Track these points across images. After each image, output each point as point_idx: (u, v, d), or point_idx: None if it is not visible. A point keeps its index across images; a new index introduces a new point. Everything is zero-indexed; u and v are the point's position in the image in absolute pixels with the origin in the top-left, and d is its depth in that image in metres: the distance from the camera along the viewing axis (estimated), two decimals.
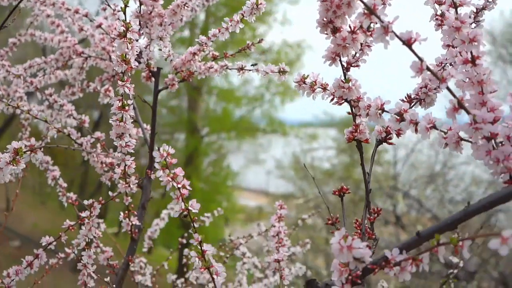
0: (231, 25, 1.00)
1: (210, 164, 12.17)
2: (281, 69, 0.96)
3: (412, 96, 0.78)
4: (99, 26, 1.18)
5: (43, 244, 1.02)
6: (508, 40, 9.72)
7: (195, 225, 0.73)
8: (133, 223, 1.08)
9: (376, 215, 0.72)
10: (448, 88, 0.58)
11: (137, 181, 1.02)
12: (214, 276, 0.73)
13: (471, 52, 0.61)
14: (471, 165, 7.03)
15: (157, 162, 0.70)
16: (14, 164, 0.76)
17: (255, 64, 0.96)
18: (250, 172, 12.80)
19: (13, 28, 1.46)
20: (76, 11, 1.20)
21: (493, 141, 0.60)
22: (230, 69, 1.08)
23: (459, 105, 0.58)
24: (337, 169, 10.32)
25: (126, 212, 1.07)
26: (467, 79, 0.62)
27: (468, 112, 0.58)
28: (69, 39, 1.28)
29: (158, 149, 0.70)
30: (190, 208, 0.72)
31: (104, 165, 1.15)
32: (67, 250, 1.21)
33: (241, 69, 1.06)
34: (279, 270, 1.05)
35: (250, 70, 1.04)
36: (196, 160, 11.38)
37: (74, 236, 1.09)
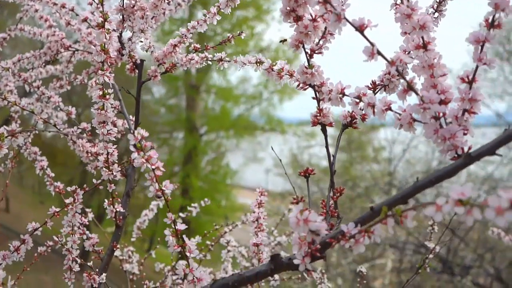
0: (208, 17, 1.04)
1: (209, 162, 12.21)
2: (258, 60, 1.00)
3: (377, 83, 0.82)
4: (85, 20, 1.22)
5: (29, 230, 1.06)
6: (505, 38, 9.74)
7: (168, 204, 0.77)
8: (117, 210, 1.11)
9: (339, 194, 0.75)
10: (398, 71, 0.62)
11: (120, 169, 1.06)
12: (187, 254, 0.77)
13: (422, 38, 0.65)
14: None
15: (132, 145, 0.73)
16: None
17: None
18: (249, 170, 12.83)
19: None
20: (63, 6, 1.24)
21: (443, 121, 0.64)
22: (210, 60, 1.12)
23: (409, 87, 0.62)
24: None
25: (110, 199, 1.11)
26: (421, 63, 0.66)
27: (416, 93, 0.62)
28: (57, 33, 1.32)
29: (133, 132, 0.73)
30: (164, 188, 0.75)
31: (89, 155, 1.19)
32: (55, 238, 1.24)
33: (220, 60, 1.10)
34: (257, 254, 1.09)
35: (228, 61, 1.08)
36: (195, 159, 11.42)
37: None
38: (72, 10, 1.27)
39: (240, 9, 11.25)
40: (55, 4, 1.26)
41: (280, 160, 0.96)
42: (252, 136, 12.12)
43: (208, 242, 1.47)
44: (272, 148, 0.91)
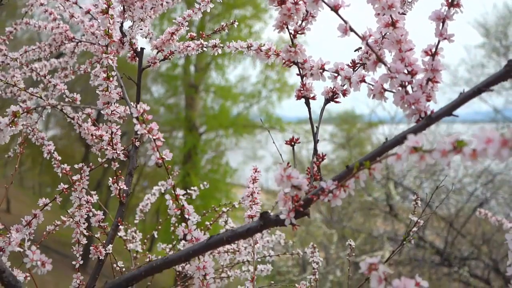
0: (202, 5, 1.13)
1: (209, 161, 12.29)
2: (249, 45, 1.08)
3: (356, 61, 0.90)
4: (88, 12, 1.30)
5: (40, 205, 1.14)
6: (501, 33, 9.83)
7: (168, 171, 0.85)
8: (121, 187, 1.20)
9: (321, 159, 0.84)
10: (368, 45, 0.70)
11: (123, 148, 1.14)
12: (186, 216, 0.86)
13: (391, 16, 0.73)
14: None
15: (135, 117, 0.82)
16: (13, 125, 0.88)
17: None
18: (248, 168, 12.84)
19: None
20: None
21: (410, 89, 0.72)
22: (205, 47, 1.20)
23: (378, 59, 0.71)
24: (334, 163, 10.47)
25: (115, 177, 1.19)
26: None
27: (385, 64, 0.70)
28: (61, 26, 1.41)
29: (136, 106, 0.81)
30: (164, 156, 0.84)
31: (94, 137, 1.27)
32: (63, 218, 1.32)
33: (214, 46, 1.18)
34: None
35: (222, 47, 1.17)
36: (195, 158, 11.50)
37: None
38: (76, 3, 1.35)
39: (238, 8, 11.34)
40: None
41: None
42: (251, 134, 12.19)
43: (207, 223, 1.56)
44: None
